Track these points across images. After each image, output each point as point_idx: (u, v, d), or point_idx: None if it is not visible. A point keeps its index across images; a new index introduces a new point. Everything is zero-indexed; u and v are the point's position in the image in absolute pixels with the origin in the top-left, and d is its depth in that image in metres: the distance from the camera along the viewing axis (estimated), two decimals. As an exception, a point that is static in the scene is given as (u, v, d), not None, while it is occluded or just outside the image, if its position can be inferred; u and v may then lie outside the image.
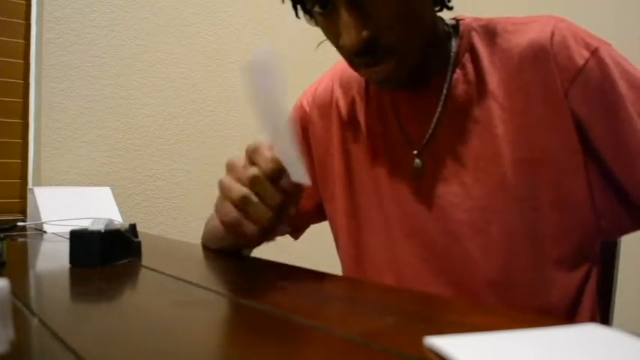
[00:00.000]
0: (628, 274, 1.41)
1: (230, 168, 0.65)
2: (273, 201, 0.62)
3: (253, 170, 0.61)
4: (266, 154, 0.61)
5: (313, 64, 1.93)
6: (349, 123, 0.83)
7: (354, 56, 0.69)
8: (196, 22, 1.71)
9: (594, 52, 0.66)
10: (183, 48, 1.68)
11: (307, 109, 0.90)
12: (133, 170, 1.59)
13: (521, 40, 0.70)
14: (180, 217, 1.65)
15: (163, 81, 1.65)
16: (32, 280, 0.67)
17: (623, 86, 0.66)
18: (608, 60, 0.67)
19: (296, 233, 0.99)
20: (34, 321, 0.45)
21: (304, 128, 0.90)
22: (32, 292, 0.59)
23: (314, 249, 1.63)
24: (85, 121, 1.52)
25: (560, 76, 0.67)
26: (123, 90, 1.58)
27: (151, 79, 1.62)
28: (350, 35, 0.65)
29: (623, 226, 0.71)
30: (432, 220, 0.74)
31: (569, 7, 2.24)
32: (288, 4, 0.74)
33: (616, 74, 0.66)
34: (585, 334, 0.37)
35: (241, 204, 0.62)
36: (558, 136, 0.68)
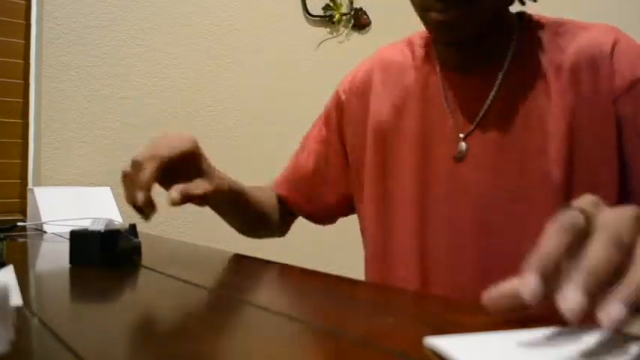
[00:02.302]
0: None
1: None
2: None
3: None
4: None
5: (313, 63, 1.93)
6: (387, 102, 0.83)
7: None
8: (196, 22, 1.71)
9: None
10: (183, 48, 1.68)
11: (343, 97, 0.91)
12: (133, 170, 1.59)
13: (582, 40, 0.71)
14: (181, 217, 1.65)
15: (163, 81, 1.65)
16: (32, 280, 0.66)
17: None
18: None
19: (322, 222, 0.98)
20: (34, 321, 0.45)
21: (339, 116, 0.91)
22: (32, 292, 0.59)
23: (314, 249, 1.63)
24: (85, 121, 1.52)
25: (614, 82, 0.68)
26: (123, 90, 1.58)
27: (151, 79, 1.62)
28: None
29: None
30: (467, 206, 0.74)
31: (574, 7, 2.24)
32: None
33: None
34: (587, 335, 0.36)
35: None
36: (599, 142, 0.69)
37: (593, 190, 0.69)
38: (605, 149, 0.69)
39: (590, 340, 0.36)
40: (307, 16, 1.88)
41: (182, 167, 0.72)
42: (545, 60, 0.73)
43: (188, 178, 0.72)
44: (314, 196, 0.93)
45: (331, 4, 1.92)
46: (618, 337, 0.35)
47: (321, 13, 1.91)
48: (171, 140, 0.74)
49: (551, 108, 0.71)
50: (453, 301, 0.56)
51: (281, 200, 0.95)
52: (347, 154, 0.90)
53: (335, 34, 1.94)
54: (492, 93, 0.74)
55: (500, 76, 0.74)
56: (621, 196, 0.70)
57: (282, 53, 1.84)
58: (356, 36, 1.98)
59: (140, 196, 0.66)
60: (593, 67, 0.69)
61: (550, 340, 0.36)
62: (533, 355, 0.33)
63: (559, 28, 0.74)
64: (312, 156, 0.93)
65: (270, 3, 1.81)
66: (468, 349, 0.34)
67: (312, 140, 0.95)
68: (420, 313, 0.50)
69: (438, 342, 0.35)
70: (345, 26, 1.96)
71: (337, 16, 1.93)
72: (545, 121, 0.71)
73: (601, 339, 0.35)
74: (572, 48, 0.72)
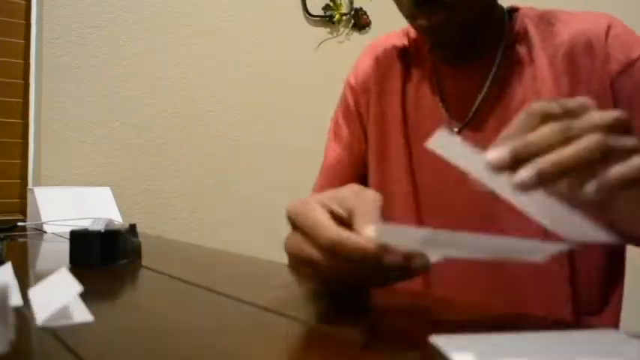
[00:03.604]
0: (632, 275, 1.41)
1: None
2: None
3: None
4: None
5: (313, 63, 1.93)
6: (387, 96, 0.84)
7: (414, 5, 0.70)
8: (196, 22, 1.71)
9: None
10: (184, 48, 1.68)
11: (355, 86, 0.89)
12: (133, 170, 1.59)
13: (575, 26, 0.72)
14: (180, 217, 1.65)
15: (163, 81, 1.65)
16: (32, 280, 0.66)
17: None
18: None
19: None
20: (34, 321, 0.45)
21: (356, 104, 0.88)
22: (32, 292, 0.59)
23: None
24: (85, 121, 1.52)
25: (610, 65, 0.69)
26: (123, 90, 1.58)
27: (151, 79, 1.62)
28: None
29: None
30: (466, 197, 0.74)
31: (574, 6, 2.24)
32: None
33: None
34: (598, 339, 0.36)
35: None
36: None
37: None
38: None
39: (587, 344, 0.36)
40: (307, 16, 1.88)
41: None
42: (538, 48, 0.74)
43: None
44: None
45: (331, 4, 1.92)
46: (616, 340, 0.35)
47: (321, 13, 1.91)
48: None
49: (546, 95, 0.71)
50: (454, 301, 0.56)
51: None
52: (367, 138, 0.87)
53: (335, 34, 1.94)
54: (486, 86, 0.75)
55: (493, 69, 0.75)
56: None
57: (282, 53, 1.84)
58: (356, 36, 1.98)
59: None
60: (589, 51, 0.70)
61: (553, 343, 0.36)
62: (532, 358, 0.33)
63: (550, 17, 0.75)
64: (343, 158, 0.89)
65: (270, 3, 1.81)
66: (470, 351, 0.34)
67: (341, 134, 0.90)
68: (420, 313, 0.50)
69: (443, 341, 0.35)
70: (345, 26, 1.96)
71: (337, 16, 1.93)
72: None
73: (610, 345, 0.35)
74: (566, 34, 0.72)
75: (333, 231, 0.44)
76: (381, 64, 0.86)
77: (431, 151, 0.41)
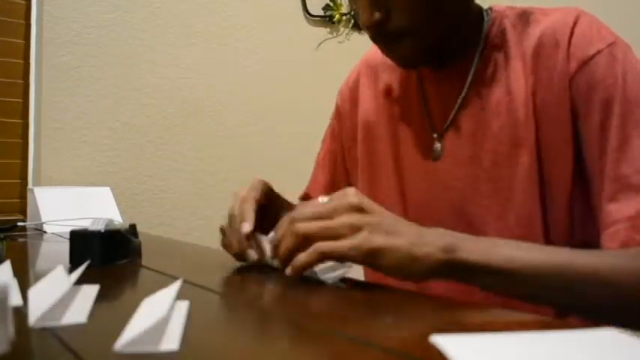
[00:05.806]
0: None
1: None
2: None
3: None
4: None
5: (313, 64, 1.93)
6: (373, 104, 0.85)
7: (372, 36, 0.71)
8: (196, 22, 1.71)
9: (609, 46, 0.67)
10: (184, 48, 1.68)
11: (340, 105, 0.93)
12: (133, 170, 1.59)
13: (545, 24, 0.72)
14: (181, 217, 1.65)
15: (163, 81, 1.65)
16: (32, 280, 0.66)
17: (630, 82, 0.66)
18: (620, 56, 0.67)
19: None
20: (34, 321, 0.45)
21: (340, 125, 0.93)
22: (32, 292, 0.59)
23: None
24: (85, 121, 1.52)
25: (569, 63, 0.68)
26: (123, 90, 1.58)
27: (150, 79, 1.62)
28: (363, 16, 0.69)
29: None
30: (449, 202, 0.74)
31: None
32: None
33: (624, 70, 0.66)
34: (599, 339, 0.36)
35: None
36: (557, 124, 0.69)
37: (560, 172, 0.69)
38: (563, 141, 0.69)
39: (592, 342, 0.35)
40: (307, 16, 1.88)
41: (267, 208, 0.75)
42: (513, 49, 0.73)
43: (274, 216, 0.73)
44: None
45: (331, 4, 1.92)
46: (616, 340, 0.35)
47: (321, 13, 1.91)
48: (249, 187, 0.75)
49: (517, 95, 0.71)
50: (453, 302, 0.56)
51: None
52: (345, 159, 0.92)
53: (335, 34, 1.94)
54: (464, 90, 0.75)
55: (471, 71, 0.75)
56: (576, 176, 0.69)
57: (282, 53, 1.84)
58: (356, 36, 1.98)
59: (243, 244, 0.68)
60: (553, 50, 0.69)
61: (555, 343, 0.36)
62: (540, 358, 0.33)
63: (528, 15, 0.75)
64: (327, 169, 0.95)
65: (270, 3, 1.81)
66: (472, 350, 0.34)
67: (325, 153, 0.97)
68: (419, 313, 0.50)
69: (444, 341, 0.35)
70: (345, 26, 1.96)
71: (337, 16, 1.93)
72: (514, 108, 0.71)
73: (615, 345, 0.35)
74: (536, 34, 0.72)
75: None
76: (371, 82, 0.87)
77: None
